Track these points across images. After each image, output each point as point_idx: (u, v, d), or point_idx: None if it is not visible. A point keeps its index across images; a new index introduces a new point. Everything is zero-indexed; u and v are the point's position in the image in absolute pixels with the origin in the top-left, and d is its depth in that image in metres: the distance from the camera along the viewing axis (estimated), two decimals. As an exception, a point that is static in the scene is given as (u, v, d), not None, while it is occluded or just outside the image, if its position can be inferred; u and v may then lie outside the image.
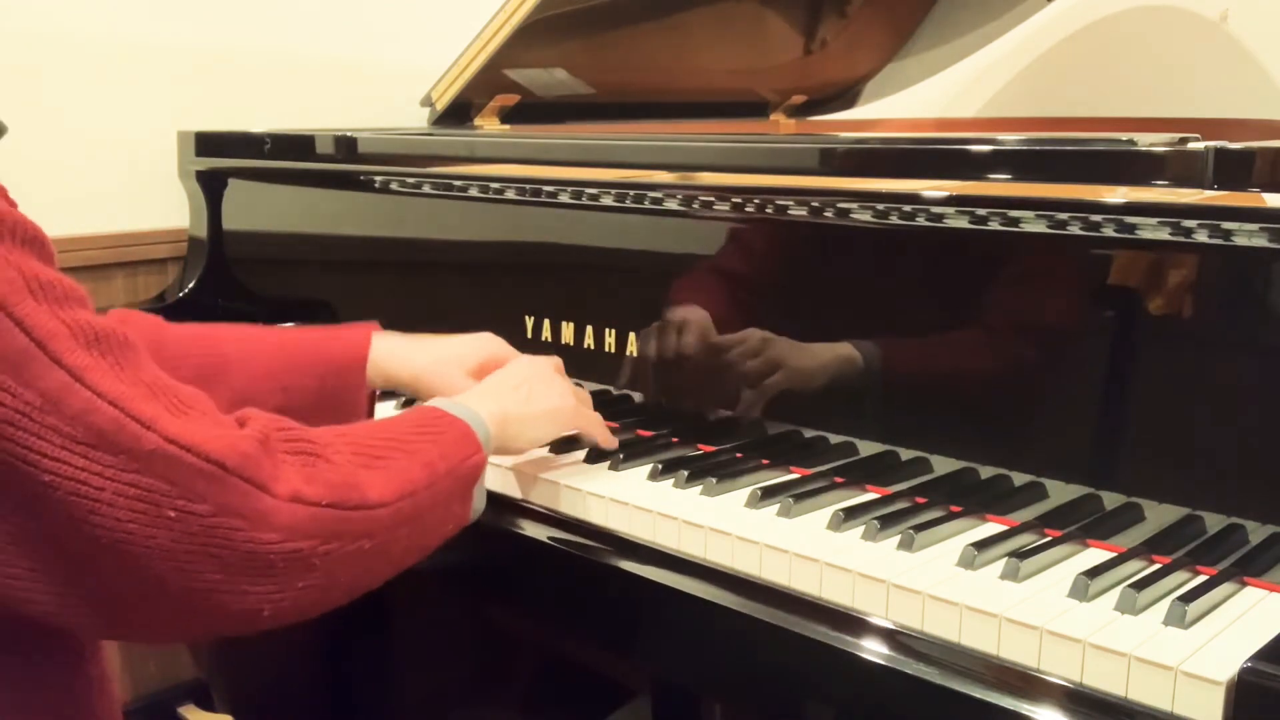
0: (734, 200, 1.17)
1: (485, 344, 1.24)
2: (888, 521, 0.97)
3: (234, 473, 0.75)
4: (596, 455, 1.17)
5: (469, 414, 0.99)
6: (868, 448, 1.10)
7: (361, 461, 0.87)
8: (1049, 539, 0.94)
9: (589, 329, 1.30)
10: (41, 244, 0.75)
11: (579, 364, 1.31)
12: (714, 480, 1.08)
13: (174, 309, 1.80)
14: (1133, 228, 0.92)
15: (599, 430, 1.16)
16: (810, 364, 1.13)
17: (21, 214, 0.74)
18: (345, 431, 0.91)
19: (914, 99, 2.24)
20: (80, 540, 0.72)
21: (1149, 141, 0.96)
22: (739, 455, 1.16)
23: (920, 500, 1.03)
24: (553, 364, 1.18)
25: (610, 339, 1.28)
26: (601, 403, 1.29)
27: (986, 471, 1.03)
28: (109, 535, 0.72)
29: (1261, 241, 0.86)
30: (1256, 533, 0.89)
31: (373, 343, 1.20)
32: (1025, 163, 1.02)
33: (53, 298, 0.73)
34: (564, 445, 1.18)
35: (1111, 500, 0.96)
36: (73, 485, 0.71)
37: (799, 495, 1.03)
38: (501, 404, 1.06)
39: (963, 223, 1.01)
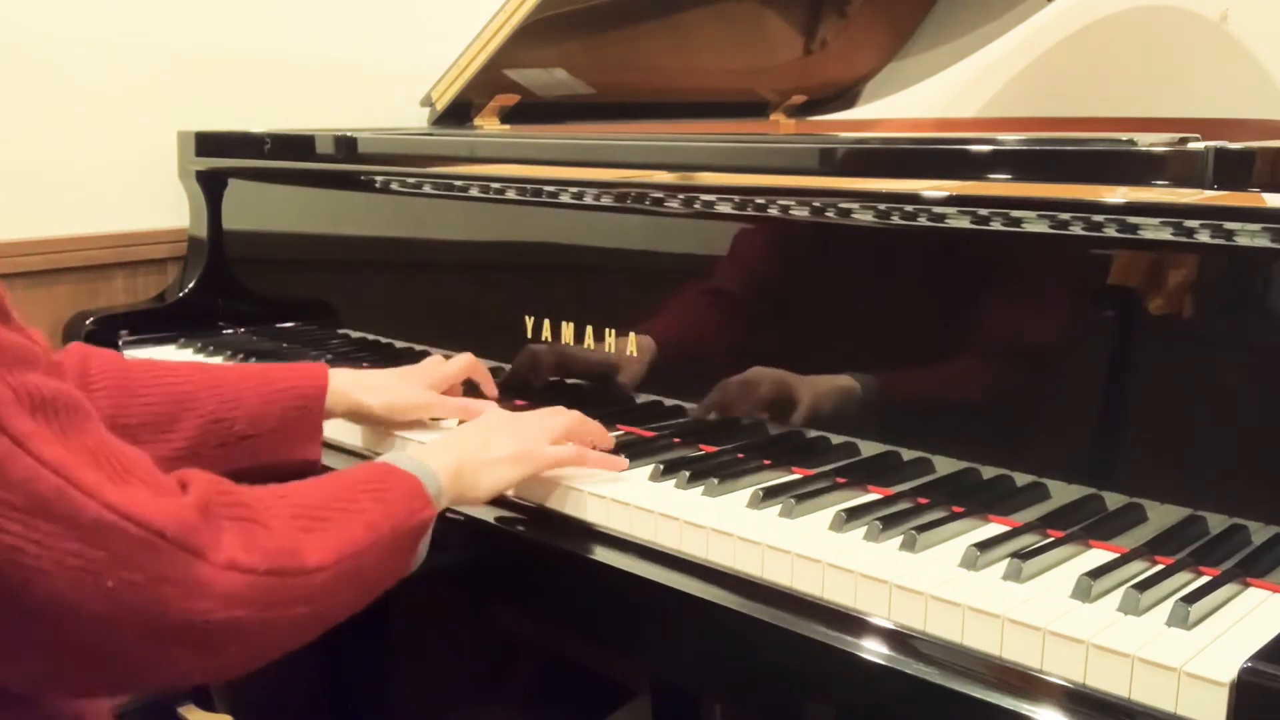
0: (734, 200, 1.17)
1: (445, 363, 1.31)
2: (890, 522, 0.97)
3: (173, 542, 0.75)
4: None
5: (419, 468, 0.99)
6: (870, 448, 1.10)
7: (301, 525, 0.86)
8: (1051, 539, 0.94)
9: (589, 329, 1.30)
10: (2, 305, 0.75)
11: (579, 364, 1.31)
12: (716, 481, 1.08)
13: (174, 309, 1.80)
14: (1134, 228, 0.92)
15: (579, 461, 1.12)
16: (810, 365, 1.13)
17: None
18: (287, 493, 0.90)
19: (914, 99, 2.24)
20: (14, 607, 0.72)
21: (1149, 141, 0.96)
22: (741, 456, 1.16)
23: (922, 501, 1.03)
24: (541, 412, 1.17)
25: (610, 339, 1.28)
26: (601, 404, 1.29)
27: (989, 472, 1.03)
28: (45, 603, 0.72)
29: (1262, 241, 0.86)
30: (1259, 533, 0.89)
31: (330, 374, 1.23)
32: (1026, 163, 1.02)
33: (2, 362, 0.72)
34: None
35: (1114, 501, 0.96)
36: (10, 553, 0.70)
37: (801, 496, 1.03)
38: (457, 455, 1.05)
39: (964, 223, 1.01)
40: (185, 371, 1.18)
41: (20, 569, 0.70)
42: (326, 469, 1.19)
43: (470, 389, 1.36)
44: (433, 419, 1.30)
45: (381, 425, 1.28)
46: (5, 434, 0.70)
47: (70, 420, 0.75)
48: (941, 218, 1.03)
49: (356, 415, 1.26)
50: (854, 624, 0.89)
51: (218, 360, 1.61)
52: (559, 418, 1.14)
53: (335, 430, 1.28)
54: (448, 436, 1.11)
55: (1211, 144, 0.92)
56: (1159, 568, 0.89)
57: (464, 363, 1.34)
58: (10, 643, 0.74)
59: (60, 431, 0.73)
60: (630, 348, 1.26)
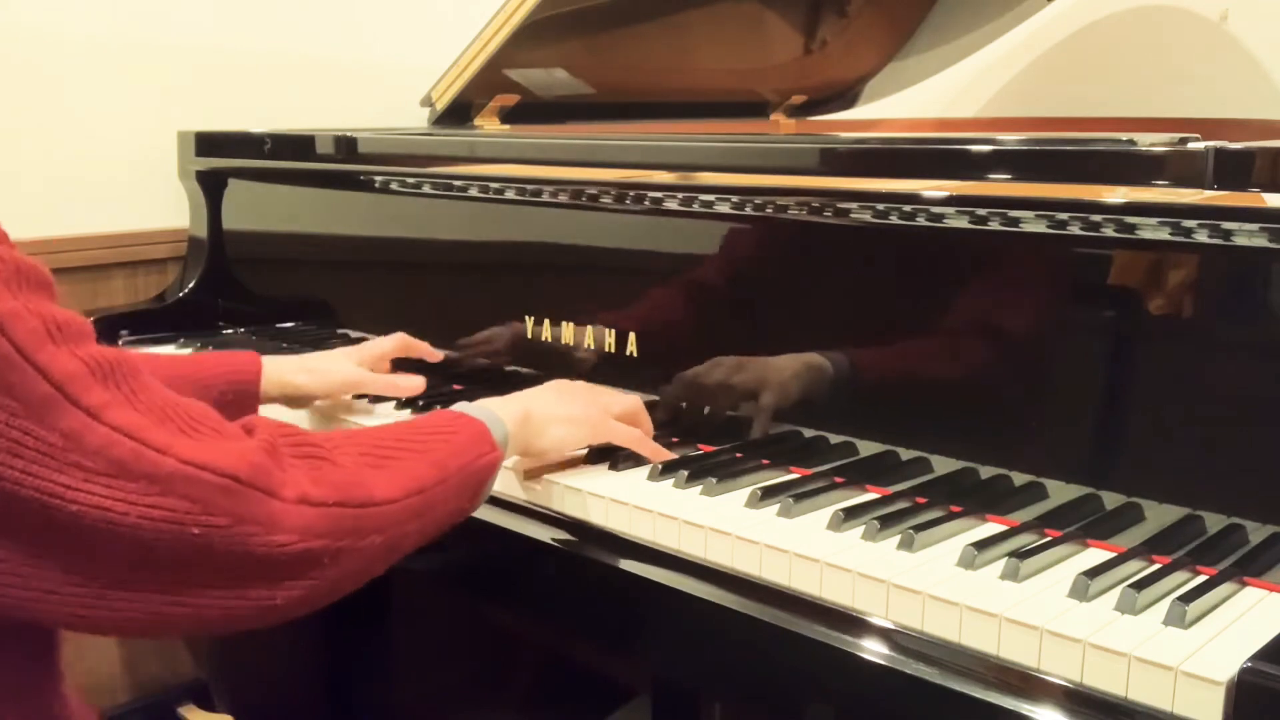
0: (734, 200, 1.17)
1: (377, 341, 1.38)
2: (888, 521, 0.97)
3: (247, 483, 0.80)
4: (597, 455, 1.16)
5: (487, 414, 1.03)
6: (868, 448, 1.10)
7: (368, 462, 0.91)
8: (1049, 539, 0.94)
9: (589, 329, 1.30)
10: (49, 284, 0.79)
11: (579, 364, 1.31)
12: (714, 480, 1.08)
13: (174, 309, 1.80)
14: (1133, 228, 0.92)
15: (638, 444, 1.15)
16: (808, 365, 1.13)
17: (25, 257, 0.78)
18: (354, 434, 0.96)
19: (914, 99, 2.24)
20: (109, 559, 0.77)
21: (1149, 141, 0.96)
22: (739, 455, 1.16)
23: (920, 500, 1.03)
24: (605, 389, 1.21)
25: (610, 339, 1.28)
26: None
27: (986, 471, 1.03)
28: (137, 553, 0.77)
29: (1261, 241, 0.86)
30: (1256, 533, 0.89)
31: (265, 363, 1.29)
32: (1025, 163, 1.02)
33: (69, 337, 0.77)
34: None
35: (1111, 500, 0.96)
36: (98, 514, 0.75)
37: (799, 495, 1.03)
38: (524, 405, 1.09)
39: (963, 223, 1.01)
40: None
41: (109, 529, 0.75)
42: None
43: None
44: (368, 399, 1.39)
45: (316, 406, 1.36)
46: (80, 407, 0.75)
47: (135, 383, 0.80)
48: (941, 218, 1.03)
49: (291, 397, 1.33)
50: (852, 623, 0.89)
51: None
52: (626, 397, 1.19)
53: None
54: (521, 392, 1.15)
55: (1211, 144, 0.92)
56: (1156, 567, 0.89)
57: (395, 340, 1.41)
58: (105, 596, 0.78)
59: (129, 395, 0.78)
60: (629, 347, 1.26)
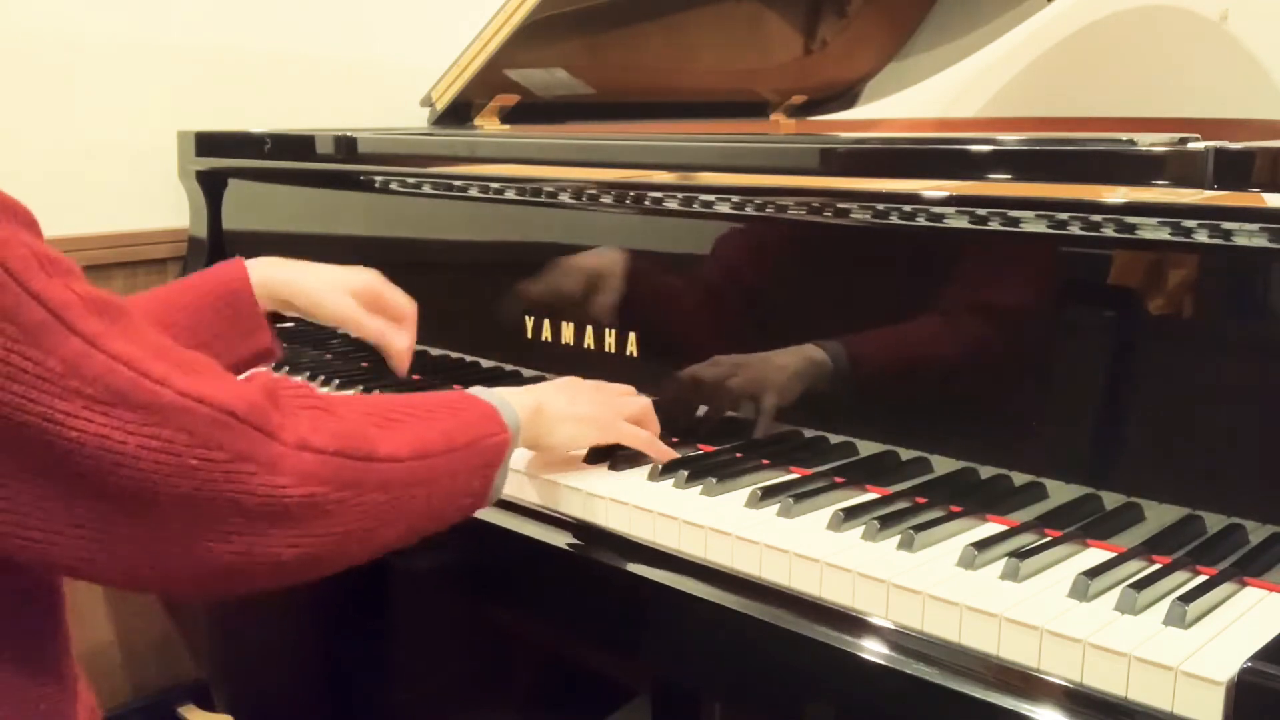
0: (734, 200, 1.17)
1: (363, 273, 1.29)
2: (888, 521, 0.97)
3: (244, 420, 0.79)
4: (597, 455, 1.16)
5: (498, 400, 1.02)
6: (868, 448, 1.10)
7: (373, 421, 0.90)
8: (1049, 539, 0.94)
9: (589, 329, 1.30)
10: (34, 223, 0.80)
11: (579, 364, 1.31)
12: (714, 480, 1.08)
13: (174, 309, 1.80)
14: (1133, 228, 0.92)
15: (647, 446, 1.14)
16: (809, 364, 1.13)
17: (13, 198, 0.79)
18: (361, 397, 0.95)
19: (914, 99, 2.24)
20: (111, 491, 0.76)
21: (1149, 141, 0.96)
22: (739, 455, 1.16)
23: (920, 500, 1.03)
24: (616, 388, 1.19)
25: (610, 339, 1.28)
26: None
27: (986, 471, 1.03)
28: (136, 486, 0.76)
29: (1261, 241, 0.86)
30: (1256, 533, 0.89)
31: (250, 267, 1.23)
32: (1025, 163, 1.02)
33: (60, 271, 0.77)
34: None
35: (1111, 500, 0.96)
36: (98, 441, 0.75)
37: (799, 495, 1.03)
38: (538, 397, 1.08)
39: (963, 223, 1.01)
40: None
41: (109, 456, 0.75)
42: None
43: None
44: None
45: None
46: (77, 334, 0.75)
47: (129, 321, 0.79)
48: (941, 218, 1.03)
49: (282, 308, 1.26)
50: (852, 623, 0.89)
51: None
52: (637, 400, 1.17)
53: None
54: (535, 385, 1.14)
55: (1211, 144, 0.92)
56: (1156, 567, 0.89)
57: (372, 275, 1.29)
58: (111, 532, 0.78)
59: (125, 329, 0.78)
60: (630, 347, 1.26)
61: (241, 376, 0.87)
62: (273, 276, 1.24)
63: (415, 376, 1.43)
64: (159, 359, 0.78)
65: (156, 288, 1.25)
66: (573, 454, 1.17)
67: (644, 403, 1.18)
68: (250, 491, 0.79)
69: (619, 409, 1.14)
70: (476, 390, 1.03)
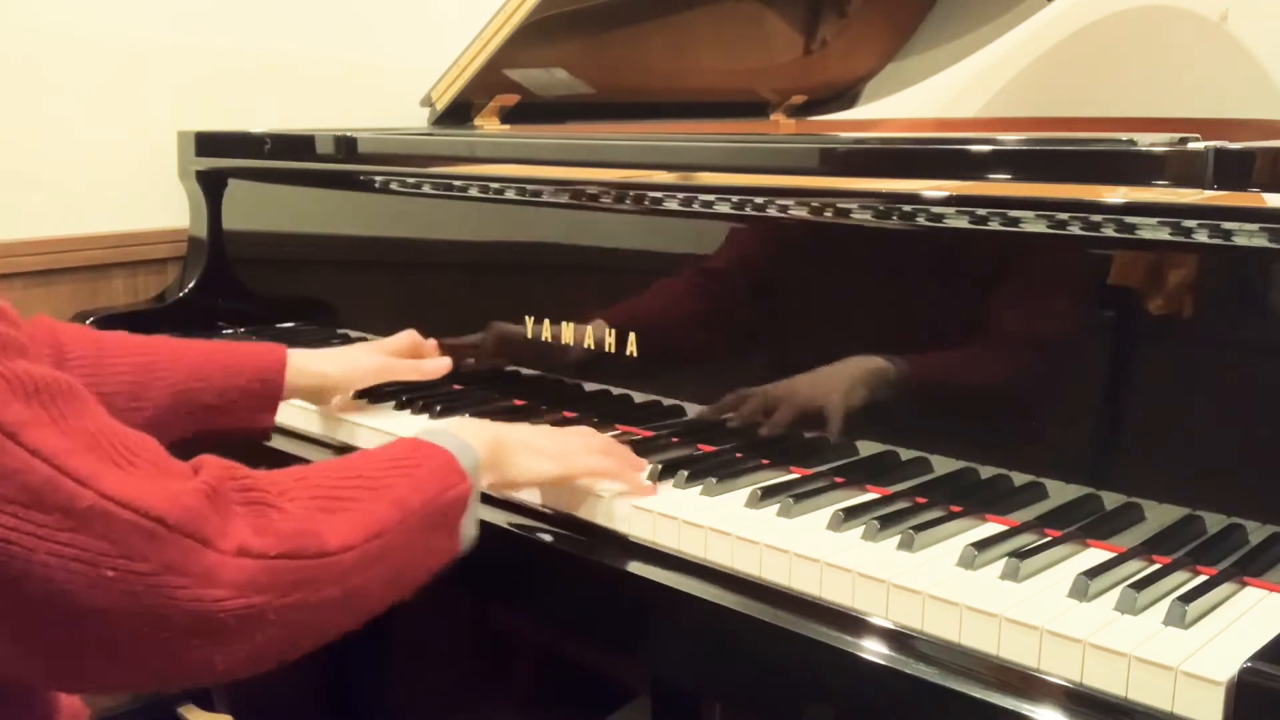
0: (734, 200, 1.17)
1: (378, 357, 1.35)
2: (888, 521, 0.97)
3: (175, 529, 0.73)
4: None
5: (455, 442, 0.96)
6: (868, 448, 1.10)
7: (320, 505, 0.84)
8: (1049, 539, 0.94)
9: (589, 329, 1.30)
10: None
11: (580, 364, 1.31)
12: (714, 480, 1.08)
13: (174, 309, 1.80)
14: (1133, 228, 0.92)
15: (615, 474, 1.09)
16: (809, 364, 1.13)
17: None
18: (305, 475, 0.88)
19: (914, 99, 2.24)
20: (19, 599, 0.71)
21: (1149, 141, 0.96)
22: (739, 455, 1.16)
23: (920, 500, 1.03)
24: (580, 430, 1.15)
25: (610, 339, 1.28)
26: (601, 403, 1.29)
27: (987, 471, 1.03)
28: (46, 594, 0.70)
29: (1261, 241, 0.86)
30: (1256, 533, 0.89)
31: (289, 351, 1.27)
32: (1025, 163, 1.02)
33: None
34: None
35: (1111, 500, 0.96)
36: (3, 546, 0.69)
37: (799, 495, 1.03)
38: (496, 431, 1.04)
39: (963, 223, 1.01)
40: (152, 343, 1.22)
41: (16, 563, 0.69)
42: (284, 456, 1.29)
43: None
44: (368, 399, 1.39)
45: (338, 400, 1.36)
46: None
47: (67, 406, 0.73)
48: (941, 218, 1.03)
49: (318, 387, 1.31)
50: (852, 623, 0.89)
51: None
52: (597, 437, 1.13)
53: (292, 418, 1.35)
54: (488, 421, 1.11)
55: (1211, 144, 0.92)
56: (1156, 567, 0.89)
57: (407, 337, 1.40)
58: (25, 637, 0.73)
59: (57, 417, 0.72)
60: (629, 347, 1.26)
61: (192, 460, 0.81)
62: (309, 357, 1.30)
63: (456, 386, 1.44)
64: (90, 453, 0.72)
65: (196, 340, 1.29)
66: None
67: (606, 439, 1.13)
68: (178, 606, 0.73)
69: (583, 443, 1.10)
70: (431, 433, 0.98)
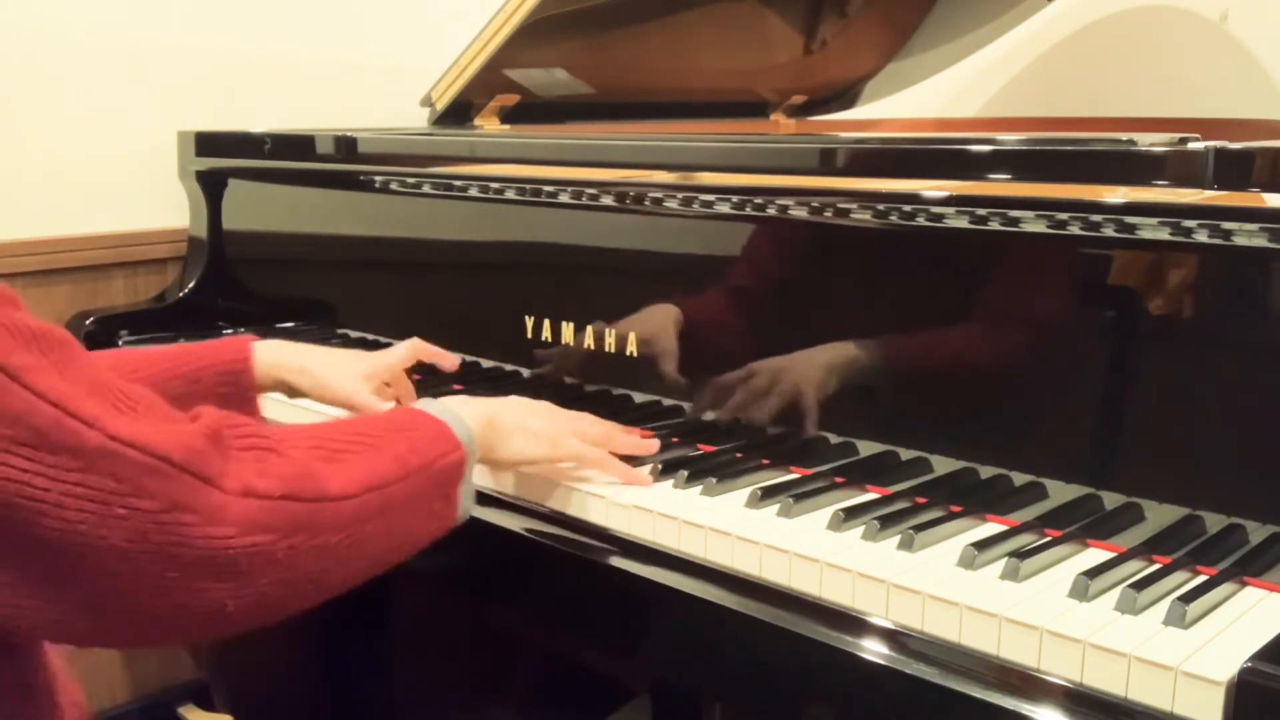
0: (734, 200, 1.17)
1: (378, 357, 1.27)
2: (888, 521, 0.97)
3: (181, 467, 0.74)
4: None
5: (449, 414, 0.98)
6: (868, 448, 1.10)
7: (321, 455, 0.86)
8: (1049, 539, 0.94)
9: (589, 329, 1.30)
10: None
11: (579, 364, 1.31)
12: (714, 480, 1.08)
13: (174, 309, 1.80)
14: (1133, 228, 0.92)
15: (602, 464, 1.10)
16: (810, 365, 1.13)
17: None
18: (307, 429, 0.90)
19: (914, 99, 2.24)
20: (34, 543, 0.71)
21: (1149, 141, 0.96)
22: (739, 455, 1.16)
23: (920, 500, 1.03)
24: (579, 415, 1.14)
25: (610, 339, 1.28)
26: (601, 403, 1.29)
27: (987, 471, 1.03)
28: (59, 536, 0.71)
29: (1261, 241, 0.86)
30: (1256, 533, 0.89)
31: (255, 349, 1.22)
32: (1025, 163, 1.02)
33: None
34: None
35: (1111, 500, 0.96)
36: (17, 488, 0.70)
37: (799, 495, 1.03)
38: (490, 408, 1.05)
39: (963, 223, 1.01)
40: (110, 357, 1.18)
41: (29, 504, 0.70)
42: None
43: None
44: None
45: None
46: (0, 368, 0.70)
47: (66, 353, 0.74)
48: (941, 218, 1.03)
49: (285, 391, 1.25)
50: (852, 623, 0.89)
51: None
52: (597, 425, 1.13)
53: (292, 418, 1.33)
54: (487, 399, 1.09)
55: (1211, 144, 0.92)
56: (1156, 567, 0.89)
57: (409, 349, 1.30)
58: (40, 585, 0.73)
59: (57, 363, 0.73)
60: (630, 347, 1.26)
61: (189, 412, 0.82)
62: (279, 363, 1.22)
63: (457, 387, 1.43)
64: (93, 397, 0.73)
65: (158, 347, 1.24)
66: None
67: (605, 427, 1.13)
68: (188, 544, 0.74)
69: (575, 428, 1.10)
70: (426, 405, 0.99)
